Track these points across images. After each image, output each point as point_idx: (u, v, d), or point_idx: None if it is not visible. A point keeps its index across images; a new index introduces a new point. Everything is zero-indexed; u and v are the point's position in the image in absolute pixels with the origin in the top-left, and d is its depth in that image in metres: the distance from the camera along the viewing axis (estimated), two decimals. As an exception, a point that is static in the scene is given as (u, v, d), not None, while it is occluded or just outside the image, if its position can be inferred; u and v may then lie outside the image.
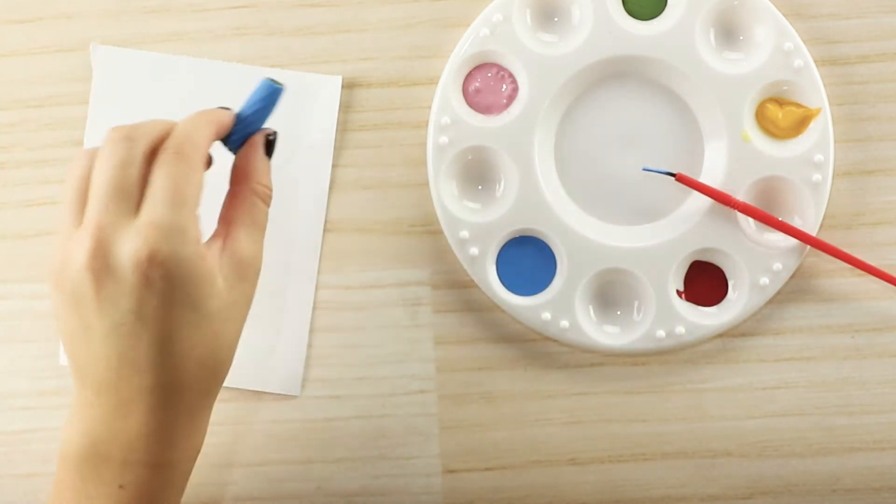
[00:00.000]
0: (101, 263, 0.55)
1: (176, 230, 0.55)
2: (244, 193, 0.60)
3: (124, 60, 0.70)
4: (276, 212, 0.69)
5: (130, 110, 0.70)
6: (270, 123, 0.68)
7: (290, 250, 0.70)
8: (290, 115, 0.70)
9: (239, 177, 0.61)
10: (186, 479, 0.59)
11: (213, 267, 0.57)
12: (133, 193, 0.56)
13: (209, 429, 0.69)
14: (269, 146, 0.62)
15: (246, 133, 0.61)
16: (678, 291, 0.68)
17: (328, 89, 0.70)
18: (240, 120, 0.61)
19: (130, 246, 0.54)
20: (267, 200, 0.61)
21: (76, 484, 0.57)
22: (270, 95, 0.61)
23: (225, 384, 0.68)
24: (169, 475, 0.58)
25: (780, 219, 0.67)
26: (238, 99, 0.70)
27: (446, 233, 0.68)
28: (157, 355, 0.55)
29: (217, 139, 0.60)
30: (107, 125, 0.69)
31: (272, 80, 0.61)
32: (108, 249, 0.55)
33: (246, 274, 0.59)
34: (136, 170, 0.56)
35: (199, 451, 0.59)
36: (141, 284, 0.54)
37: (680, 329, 0.68)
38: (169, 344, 0.55)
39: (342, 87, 0.70)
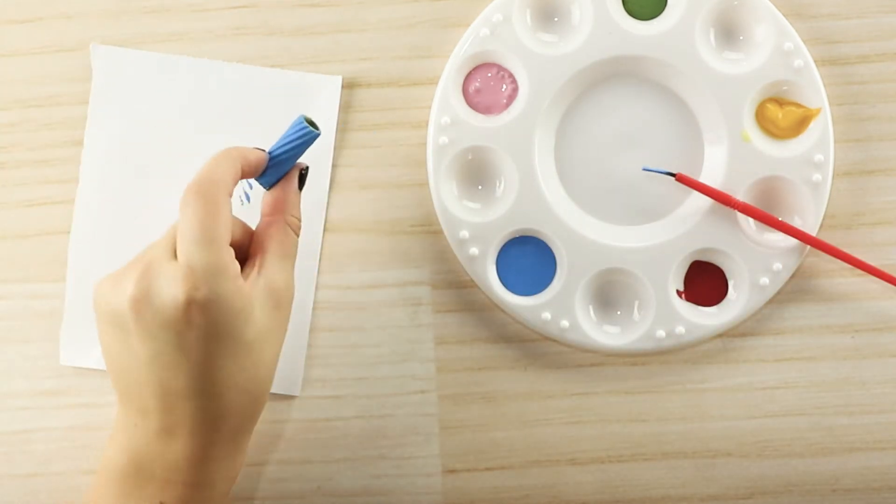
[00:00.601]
0: (144, 300, 0.57)
1: (211, 270, 0.57)
2: (279, 224, 0.62)
3: (124, 60, 0.70)
4: (276, 212, 0.69)
5: (130, 110, 0.70)
6: (271, 123, 0.68)
7: (290, 250, 0.70)
8: (290, 115, 0.70)
9: (274, 208, 0.62)
10: (226, 498, 0.61)
11: (250, 298, 0.58)
12: (176, 237, 0.59)
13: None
14: (302, 180, 0.63)
15: (280, 172, 0.62)
16: (678, 291, 0.68)
17: (328, 89, 0.70)
18: (272, 158, 0.62)
19: (169, 289, 0.57)
20: (297, 231, 0.62)
21: (117, 498, 0.58)
22: (306, 138, 0.62)
23: (225, 384, 0.69)
24: (209, 494, 0.59)
25: (780, 219, 0.67)
26: (237, 100, 0.70)
27: (446, 233, 0.68)
28: (198, 384, 0.57)
29: (245, 177, 0.61)
30: (107, 125, 0.70)
31: (308, 121, 0.62)
32: (149, 287, 0.57)
33: (280, 302, 0.60)
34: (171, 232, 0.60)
35: (238, 473, 0.61)
36: (181, 323, 0.56)
37: (680, 329, 0.68)
38: (210, 374, 0.57)
39: (342, 87, 0.70)
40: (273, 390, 0.69)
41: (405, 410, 0.70)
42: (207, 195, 0.58)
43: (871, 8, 0.70)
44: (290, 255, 0.62)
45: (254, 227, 0.63)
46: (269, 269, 0.60)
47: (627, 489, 0.69)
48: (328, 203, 0.70)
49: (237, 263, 0.58)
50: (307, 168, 0.63)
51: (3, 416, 0.70)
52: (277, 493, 0.69)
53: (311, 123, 0.62)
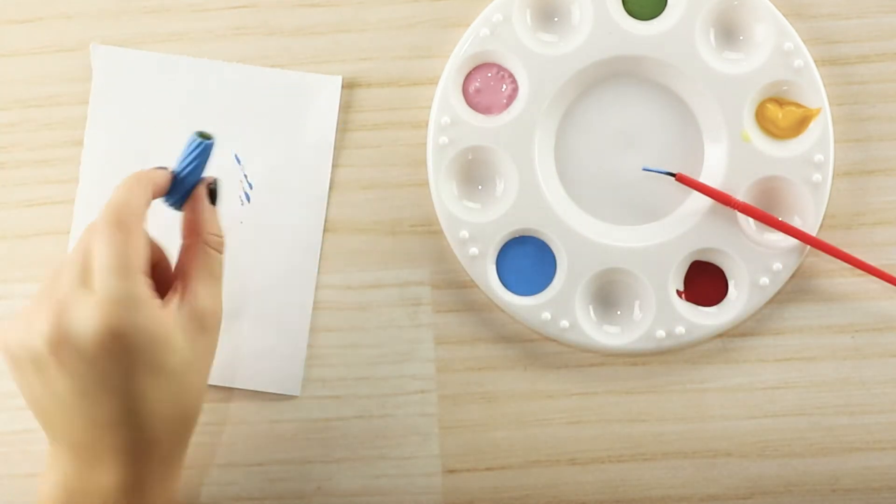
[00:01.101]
0: (62, 337, 0.56)
1: (128, 300, 0.56)
2: (197, 246, 0.61)
3: (124, 60, 0.70)
4: (276, 212, 0.69)
5: (130, 111, 0.70)
6: (270, 122, 0.68)
7: (290, 251, 0.69)
8: (290, 115, 0.70)
9: (189, 230, 0.62)
10: None
11: (170, 326, 0.58)
12: (89, 267, 0.57)
13: (208, 429, 0.69)
14: (213, 195, 0.62)
15: (185, 190, 0.62)
16: (678, 291, 0.68)
17: (328, 89, 0.70)
18: (176, 178, 0.62)
19: (89, 321, 0.56)
20: (220, 248, 0.62)
21: None
22: (202, 151, 0.61)
23: (225, 384, 0.69)
24: None
25: (780, 219, 0.67)
26: (237, 100, 0.70)
27: (446, 233, 0.68)
28: (123, 416, 0.57)
29: (155, 198, 0.61)
30: (107, 125, 0.70)
31: (201, 134, 0.61)
32: (67, 324, 0.56)
33: (206, 326, 0.60)
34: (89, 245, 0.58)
35: (174, 497, 0.60)
36: (102, 357, 0.56)
37: (680, 329, 0.68)
38: (135, 405, 0.57)
39: (342, 86, 0.70)
40: (273, 390, 0.69)
41: (405, 410, 0.70)
42: (121, 224, 0.58)
43: (871, 8, 0.70)
44: (214, 275, 0.61)
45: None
46: (190, 293, 0.60)
47: (627, 489, 0.69)
48: (328, 203, 0.70)
49: (154, 292, 0.58)
50: (216, 181, 0.63)
51: (3, 416, 0.70)
52: (277, 493, 0.69)
53: (204, 136, 0.61)
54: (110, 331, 0.56)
